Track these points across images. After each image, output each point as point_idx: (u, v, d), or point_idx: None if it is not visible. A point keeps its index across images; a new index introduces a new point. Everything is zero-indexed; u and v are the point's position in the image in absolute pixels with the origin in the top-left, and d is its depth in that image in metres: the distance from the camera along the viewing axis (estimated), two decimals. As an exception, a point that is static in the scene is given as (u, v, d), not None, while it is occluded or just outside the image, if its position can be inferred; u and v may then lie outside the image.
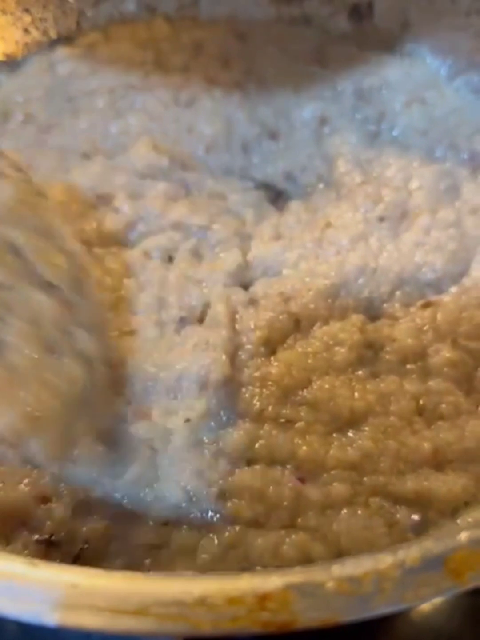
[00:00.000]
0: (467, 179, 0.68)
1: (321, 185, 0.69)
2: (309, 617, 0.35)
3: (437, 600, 0.60)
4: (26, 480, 0.53)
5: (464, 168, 0.69)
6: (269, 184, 0.71)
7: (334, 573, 0.36)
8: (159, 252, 0.65)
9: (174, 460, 0.53)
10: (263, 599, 0.35)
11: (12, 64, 0.82)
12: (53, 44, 0.83)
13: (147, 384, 0.57)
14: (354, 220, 0.65)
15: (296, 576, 0.35)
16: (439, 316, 0.60)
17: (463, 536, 0.37)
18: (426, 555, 0.36)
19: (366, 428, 0.55)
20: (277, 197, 0.70)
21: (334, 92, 0.77)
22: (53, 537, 0.51)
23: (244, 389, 0.57)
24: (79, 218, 0.67)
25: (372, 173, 0.69)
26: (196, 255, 0.65)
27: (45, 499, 0.53)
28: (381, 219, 0.65)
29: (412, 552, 0.36)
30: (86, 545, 0.51)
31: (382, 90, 0.77)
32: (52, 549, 0.51)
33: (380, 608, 0.35)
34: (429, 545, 0.37)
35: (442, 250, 0.63)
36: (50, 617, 0.35)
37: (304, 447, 0.54)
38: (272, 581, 0.35)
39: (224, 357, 0.57)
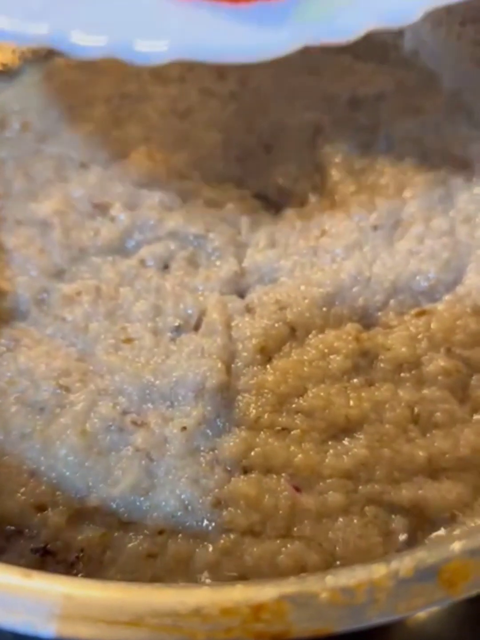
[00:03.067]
0: (461, 188, 0.69)
1: (315, 194, 0.70)
2: (303, 627, 0.35)
3: (434, 609, 0.60)
4: (22, 489, 0.53)
5: (458, 177, 0.69)
6: (263, 195, 0.71)
7: (328, 583, 0.36)
8: (155, 261, 0.65)
9: (170, 469, 0.54)
10: (257, 609, 0.35)
11: (9, 73, 0.82)
12: (50, 53, 0.83)
13: (144, 392, 0.57)
14: (348, 229, 0.66)
15: (290, 586, 0.36)
16: (433, 325, 0.60)
17: (456, 546, 0.37)
18: (420, 566, 0.37)
19: (361, 436, 0.55)
20: (272, 205, 0.71)
21: (328, 101, 0.77)
22: (48, 546, 0.51)
23: (239, 397, 0.57)
24: (77, 227, 0.67)
25: (366, 182, 0.69)
26: (192, 263, 0.66)
27: (41, 508, 0.53)
28: (375, 228, 0.66)
29: (405, 563, 0.36)
30: (81, 554, 0.51)
31: (377, 99, 0.77)
32: (47, 558, 0.51)
33: (374, 619, 0.35)
34: (423, 555, 0.37)
35: (436, 258, 0.63)
36: (45, 628, 0.35)
37: (300, 455, 0.54)
38: (266, 592, 0.35)
39: (219, 364, 0.57)
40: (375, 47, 0.80)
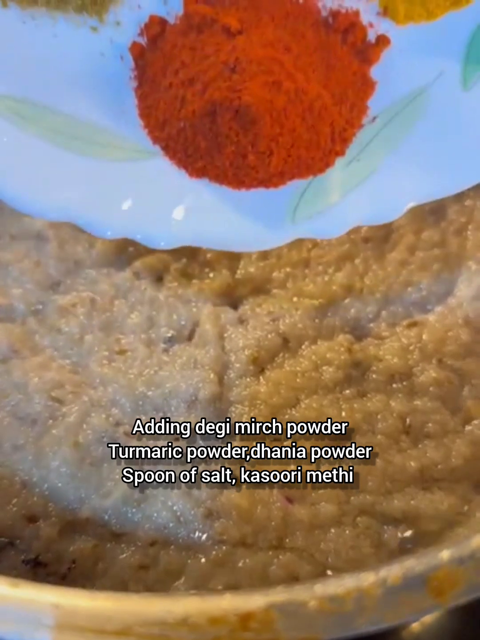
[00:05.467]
0: (452, 199, 0.69)
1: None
2: (292, 636, 0.35)
3: (427, 619, 0.60)
4: (14, 501, 0.54)
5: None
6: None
7: (316, 592, 0.36)
8: (148, 273, 0.66)
9: (162, 480, 0.54)
10: (245, 618, 0.35)
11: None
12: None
13: (137, 404, 0.57)
14: (340, 241, 0.66)
15: (279, 595, 0.36)
16: (424, 336, 0.60)
17: (445, 554, 0.37)
18: (408, 574, 0.37)
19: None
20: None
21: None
22: (40, 557, 0.51)
23: (232, 408, 0.57)
24: (71, 240, 0.68)
25: None
26: (185, 275, 0.66)
27: (32, 519, 0.53)
28: (366, 240, 0.66)
29: (394, 571, 0.36)
30: (73, 565, 0.51)
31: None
32: (39, 569, 0.51)
33: (363, 627, 0.35)
34: (411, 563, 0.37)
35: (427, 270, 0.64)
36: (34, 637, 0.35)
37: (292, 466, 0.54)
38: (254, 600, 0.35)
39: (212, 375, 0.58)
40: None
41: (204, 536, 0.52)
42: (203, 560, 0.51)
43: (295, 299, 0.63)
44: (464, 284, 0.63)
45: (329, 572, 0.50)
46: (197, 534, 0.52)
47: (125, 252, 0.67)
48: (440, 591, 0.36)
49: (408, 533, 0.52)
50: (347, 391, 0.58)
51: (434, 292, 0.63)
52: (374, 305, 0.63)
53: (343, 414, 0.57)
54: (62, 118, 0.54)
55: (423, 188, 0.54)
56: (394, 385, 0.59)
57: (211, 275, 0.66)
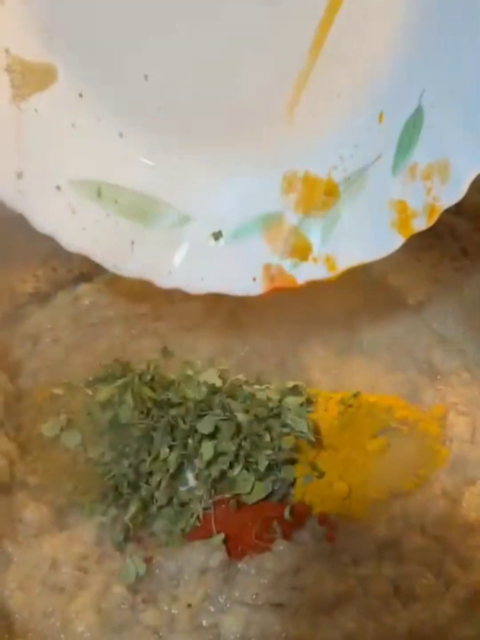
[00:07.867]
0: (426, 385, 0.80)
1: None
2: None
3: None
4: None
5: (424, 376, 0.81)
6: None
7: None
8: None
9: (177, 645, 0.59)
10: None
11: (41, 296, 0.95)
12: (76, 280, 0.96)
13: (154, 572, 0.64)
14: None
15: None
16: (408, 506, 0.67)
17: None
18: None
19: (349, 610, 0.61)
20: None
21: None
22: None
23: (239, 575, 0.63)
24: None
25: (343, 383, 0.80)
26: None
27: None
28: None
29: None
30: None
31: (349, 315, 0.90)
32: None
33: None
34: None
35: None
36: None
37: (294, 630, 0.59)
38: None
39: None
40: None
41: None
42: None
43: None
44: (440, 460, 0.72)
45: None
46: None
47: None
48: None
49: None
50: (343, 557, 0.65)
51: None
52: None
53: (339, 579, 0.63)
54: (129, 194, 0.72)
55: (357, 253, 0.67)
56: (384, 552, 0.65)
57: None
